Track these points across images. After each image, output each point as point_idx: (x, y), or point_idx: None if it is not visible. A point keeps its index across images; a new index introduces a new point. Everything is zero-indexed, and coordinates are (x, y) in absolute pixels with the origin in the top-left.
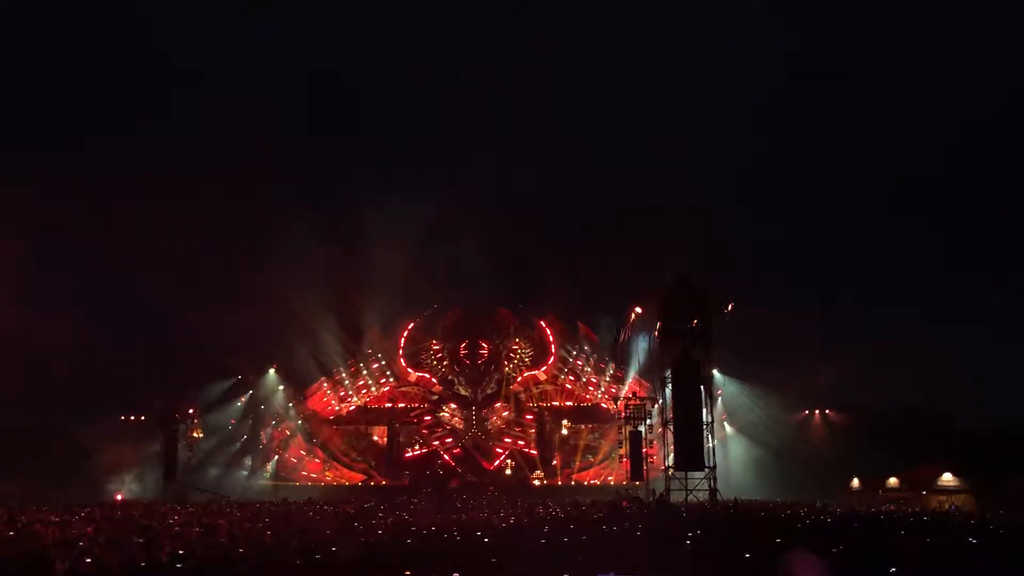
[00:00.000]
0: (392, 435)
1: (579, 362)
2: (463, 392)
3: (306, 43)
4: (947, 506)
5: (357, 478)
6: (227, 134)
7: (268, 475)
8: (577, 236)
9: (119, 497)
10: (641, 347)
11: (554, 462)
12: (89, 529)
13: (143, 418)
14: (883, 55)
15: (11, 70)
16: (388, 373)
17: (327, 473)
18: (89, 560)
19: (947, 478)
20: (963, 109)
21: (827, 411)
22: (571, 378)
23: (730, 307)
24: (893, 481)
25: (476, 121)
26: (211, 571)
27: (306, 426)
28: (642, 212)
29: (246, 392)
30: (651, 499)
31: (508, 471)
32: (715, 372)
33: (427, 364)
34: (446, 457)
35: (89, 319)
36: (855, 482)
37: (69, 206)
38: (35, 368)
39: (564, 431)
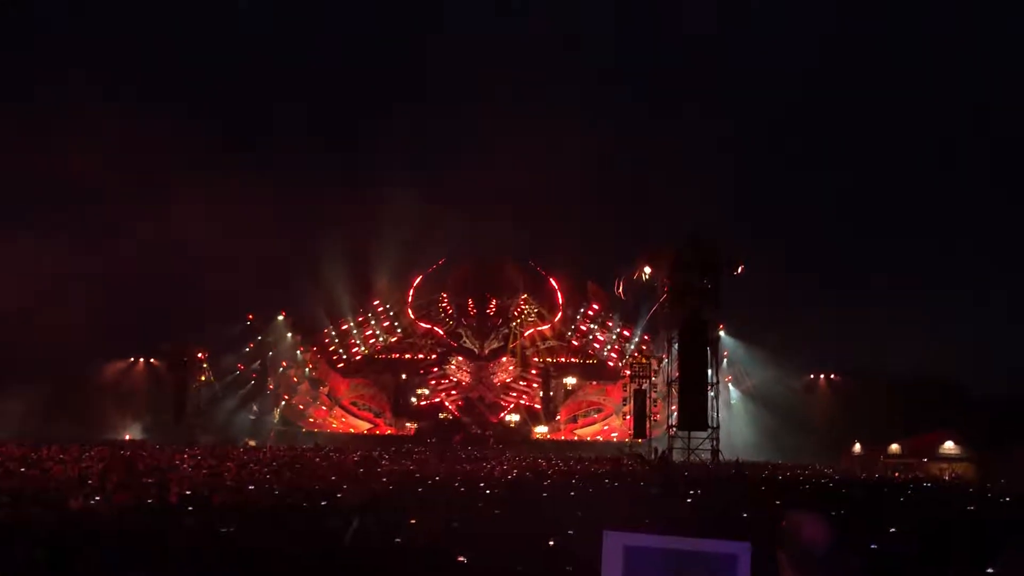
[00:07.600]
0: (399, 385)
1: (586, 320)
2: (470, 345)
3: None
4: (947, 475)
5: (362, 426)
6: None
7: (276, 420)
8: (590, 195)
9: (127, 438)
10: (648, 306)
11: (558, 417)
12: (100, 467)
13: (153, 361)
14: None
15: None
16: (396, 324)
17: (333, 420)
18: (99, 499)
19: (949, 446)
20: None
21: (832, 376)
22: (578, 335)
23: (740, 269)
24: (895, 447)
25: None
26: (219, 512)
27: (313, 373)
28: (654, 174)
29: (255, 337)
30: (653, 457)
31: (512, 424)
32: (722, 333)
33: (435, 317)
34: (451, 408)
35: (100, 263)
36: (857, 447)
37: (81, 146)
38: (50, 313)
39: (569, 387)
